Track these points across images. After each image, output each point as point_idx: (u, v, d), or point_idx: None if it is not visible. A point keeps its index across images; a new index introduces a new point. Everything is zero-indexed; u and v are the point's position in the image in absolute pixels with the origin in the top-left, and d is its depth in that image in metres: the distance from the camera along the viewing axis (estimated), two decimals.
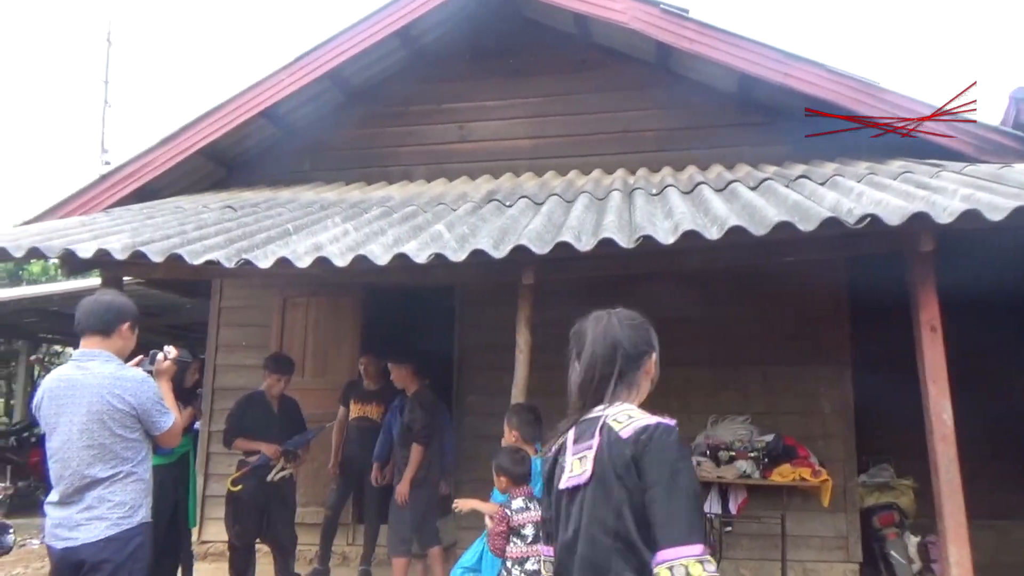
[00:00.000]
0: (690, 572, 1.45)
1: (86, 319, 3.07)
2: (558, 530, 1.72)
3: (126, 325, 3.13)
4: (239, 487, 4.94)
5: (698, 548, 1.48)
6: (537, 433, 3.75)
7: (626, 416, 1.67)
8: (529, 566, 3.25)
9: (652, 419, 1.65)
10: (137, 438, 3.03)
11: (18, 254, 4.09)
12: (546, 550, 1.98)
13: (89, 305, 3.09)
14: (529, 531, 3.30)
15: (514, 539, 3.31)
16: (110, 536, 2.88)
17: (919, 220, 3.31)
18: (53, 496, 2.99)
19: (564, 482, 1.69)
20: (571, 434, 1.74)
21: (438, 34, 6.36)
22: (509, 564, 3.30)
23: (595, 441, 1.65)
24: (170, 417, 3.12)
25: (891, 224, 3.30)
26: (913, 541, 5.49)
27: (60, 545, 2.91)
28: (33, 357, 10.56)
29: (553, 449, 1.80)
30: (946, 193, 3.64)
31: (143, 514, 3.02)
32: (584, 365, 1.77)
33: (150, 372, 3.22)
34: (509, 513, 3.36)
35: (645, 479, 1.56)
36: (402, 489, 4.99)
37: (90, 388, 2.95)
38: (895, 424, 5.22)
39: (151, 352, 3.38)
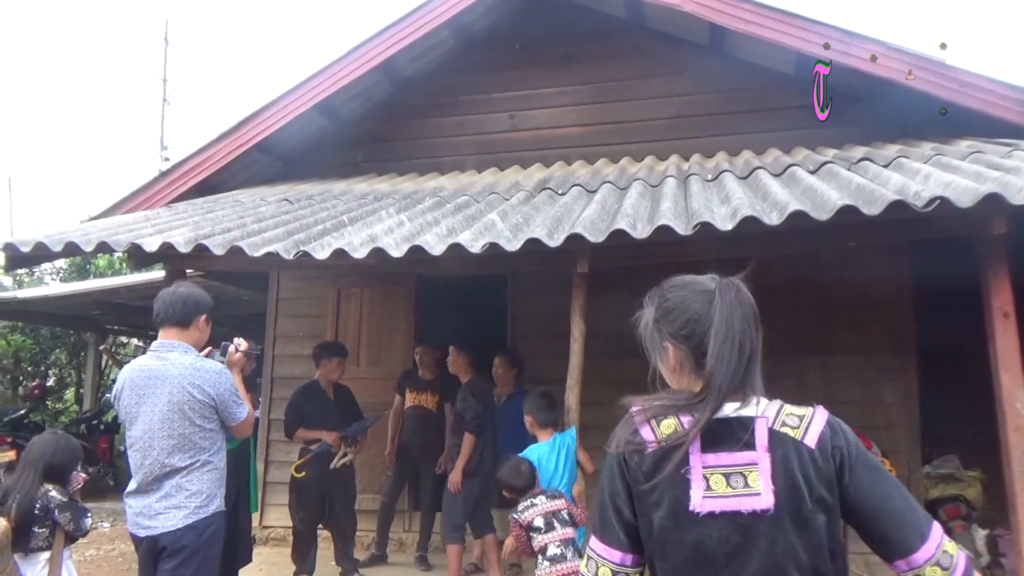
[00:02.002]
0: (949, 551, 1.32)
1: (165, 311, 3.12)
2: (667, 552, 1.34)
3: (203, 317, 3.19)
4: (303, 474, 5.05)
5: (938, 525, 1.36)
6: (551, 417, 3.95)
7: (794, 418, 1.36)
8: (550, 552, 3.36)
9: (817, 412, 1.38)
10: (214, 428, 3.10)
11: (88, 248, 4.22)
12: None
13: (168, 297, 3.15)
14: (540, 523, 3.42)
15: (531, 534, 3.44)
16: (188, 524, 2.96)
17: (991, 202, 3.18)
18: (132, 485, 3.07)
19: (704, 504, 1.31)
20: (697, 438, 1.34)
21: (487, 23, 6.36)
22: (539, 558, 3.42)
23: (761, 456, 1.31)
24: (245, 408, 3.19)
25: (961, 207, 3.18)
26: (981, 534, 5.31)
27: (142, 534, 3.00)
28: (101, 348, 10.93)
29: (653, 449, 1.36)
30: (1020, 173, 3.48)
31: (218, 503, 3.09)
32: (729, 340, 1.37)
33: (221, 363, 3.30)
34: (516, 517, 3.49)
35: (861, 493, 1.35)
36: (454, 478, 5.04)
37: (171, 379, 3.01)
38: (960, 414, 5.04)
39: (222, 344, 3.46)
